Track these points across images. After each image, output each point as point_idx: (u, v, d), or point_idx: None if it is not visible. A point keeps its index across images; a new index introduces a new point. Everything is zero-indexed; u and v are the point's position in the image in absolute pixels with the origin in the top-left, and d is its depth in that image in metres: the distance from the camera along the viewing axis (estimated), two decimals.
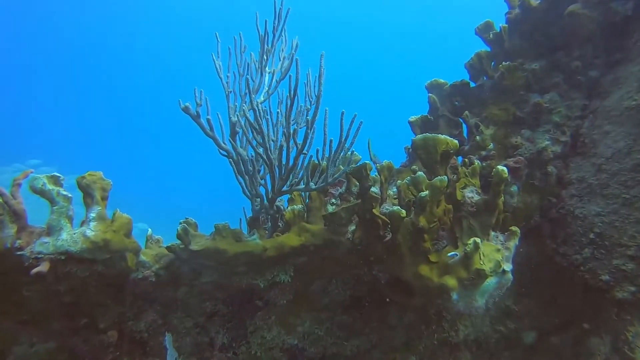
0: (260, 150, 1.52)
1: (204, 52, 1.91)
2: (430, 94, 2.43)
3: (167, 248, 1.55)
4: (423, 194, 1.49)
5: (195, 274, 1.64)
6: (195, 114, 1.67)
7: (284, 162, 1.52)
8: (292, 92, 1.36)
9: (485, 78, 2.30)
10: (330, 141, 1.40)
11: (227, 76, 1.90)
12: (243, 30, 1.97)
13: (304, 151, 1.43)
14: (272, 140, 1.54)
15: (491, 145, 2.06)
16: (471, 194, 1.58)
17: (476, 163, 1.64)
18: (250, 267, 1.64)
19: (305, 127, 1.41)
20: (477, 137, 2.10)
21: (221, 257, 1.56)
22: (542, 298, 2.11)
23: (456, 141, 1.72)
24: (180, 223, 1.62)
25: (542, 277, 2.13)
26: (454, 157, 2.11)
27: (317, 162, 1.59)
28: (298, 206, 1.71)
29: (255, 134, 1.48)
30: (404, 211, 1.52)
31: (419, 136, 1.70)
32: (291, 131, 1.39)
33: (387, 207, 1.74)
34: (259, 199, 1.63)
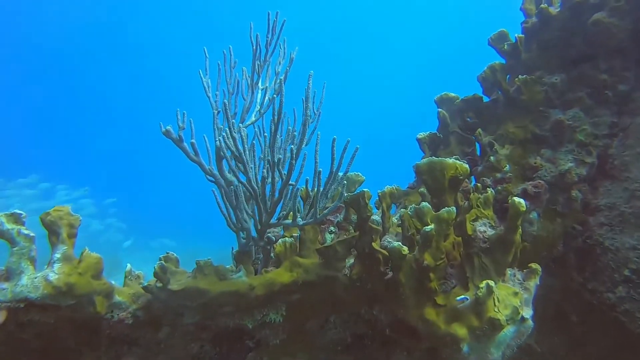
0: (244, 179, 1.37)
1: (195, 66, 1.78)
2: (439, 109, 2.25)
3: (144, 288, 1.41)
4: (428, 228, 1.31)
5: (177, 314, 1.49)
6: (178, 137, 1.54)
7: (268, 194, 1.36)
8: (276, 117, 1.21)
9: (499, 92, 2.11)
10: (319, 173, 1.24)
11: (216, 94, 1.77)
12: (236, 42, 1.84)
13: (291, 182, 1.28)
14: (257, 169, 1.39)
15: (507, 167, 1.86)
16: (484, 228, 1.39)
17: (489, 192, 1.45)
18: (236, 307, 1.48)
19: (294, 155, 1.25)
20: (492, 158, 1.91)
21: (203, 298, 1.41)
22: (570, 337, 1.88)
23: (466, 166, 1.54)
24: (160, 259, 1.49)
25: (568, 313, 1.90)
26: (466, 180, 1.92)
27: (308, 192, 1.43)
28: (289, 238, 1.55)
29: (237, 162, 1.34)
30: (405, 248, 1.34)
31: (424, 160, 1.53)
32: (275, 160, 1.23)
33: (389, 240, 1.56)
34: (244, 233, 1.47)
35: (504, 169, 1.86)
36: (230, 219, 1.44)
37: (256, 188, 1.35)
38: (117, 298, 1.42)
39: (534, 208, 1.81)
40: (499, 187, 1.84)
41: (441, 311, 1.36)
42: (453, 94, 2.32)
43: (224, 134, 1.25)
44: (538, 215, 1.82)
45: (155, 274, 1.39)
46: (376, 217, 1.67)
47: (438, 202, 1.54)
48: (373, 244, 1.48)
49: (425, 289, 1.39)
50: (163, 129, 1.53)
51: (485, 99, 2.18)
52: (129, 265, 1.53)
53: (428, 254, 1.36)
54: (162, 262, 1.48)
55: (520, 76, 1.94)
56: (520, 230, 1.34)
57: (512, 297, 1.30)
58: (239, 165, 1.34)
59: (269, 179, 1.22)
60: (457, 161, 1.53)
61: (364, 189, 1.50)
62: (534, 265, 1.44)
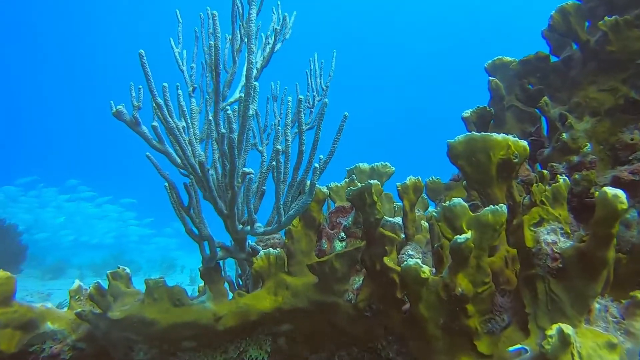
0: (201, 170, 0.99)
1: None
2: (491, 78, 1.72)
3: (77, 315, 1.08)
4: (461, 238, 0.85)
5: (130, 348, 1.15)
6: (132, 120, 1.19)
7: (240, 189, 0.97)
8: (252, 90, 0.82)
9: (575, 46, 1.55)
10: (277, 153, 0.82)
11: (192, 67, 1.41)
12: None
13: (246, 169, 0.87)
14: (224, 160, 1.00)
15: (588, 147, 1.31)
16: (553, 237, 0.89)
17: (561, 181, 0.95)
18: (200, 342, 1.11)
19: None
20: (564, 135, 1.37)
21: (150, 330, 1.06)
22: None
23: (524, 143, 1.04)
24: (107, 275, 1.15)
25: None
26: (526, 166, 1.40)
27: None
28: (276, 250, 1.15)
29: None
30: (426, 269, 0.89)
31: (460, 138, 1.05)
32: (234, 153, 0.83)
33: (410, 253, 1.10)
34: (206, 242, 1.09)
35: (584, 149, 1.31)
36: (186, 224, 1.07)
37: (209, 179, 0.96)
38: (50, 326, 1.11)
39: (633, 204, 1.25)
40: (577, 176, 1.30)
41: None
42: (509, 58, 1.78)
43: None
44: (639, 214, 1.26)
45: (91, 297, 1.06)
46: (396, 219, 1.21)
47: (483, 199, 1.06)
48: (385, 258, 1.04)
49: (461, 329, 0.92)
50: (113, 109, 1.19)
51: (554, 59, 1.62)
52: (76, 282, 1.22)
53: (463, 276, 0.90)
54: (110, 279, 1.15)
55: (607, 18, 1.37)
56: (614, 240, 0.83)
57: (605, 351, 0.79)
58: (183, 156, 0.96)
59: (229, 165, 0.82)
60: (510, 137, 1.04)
61: (373, 181, 1.05)
62: (639, 295, 0.91)
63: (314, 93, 1.56)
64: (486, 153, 1.03)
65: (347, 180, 1.54)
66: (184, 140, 0.93)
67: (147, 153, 0.98)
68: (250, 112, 0.85)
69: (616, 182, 1.24)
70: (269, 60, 1.39)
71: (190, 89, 1.39)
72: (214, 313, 1.07)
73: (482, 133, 1.04)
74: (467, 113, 1.73)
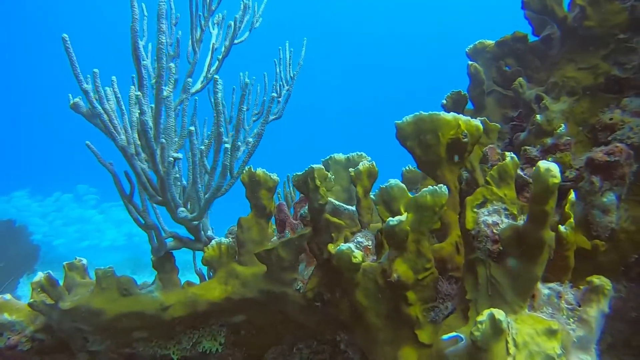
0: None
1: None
2: (470, 62, 1.65)
3: (30, 305, 1.09)
4: (393, 220, 0.80)
5: (83, 339, 1.15)
6: (88, 112, 1.20)
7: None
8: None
9: (555, 25, 1.46)
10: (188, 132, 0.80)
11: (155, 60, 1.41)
12: None
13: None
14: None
15: (562, 127, 1.23)
16: (495, 218, 0.83)
17: (508, 158, 0.88)
18: (151, 332, 1.10)
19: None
20: (538, 117, 1.29)
21: (98, 320, 1.05)
22: None
23: (477, 122, 0.98)
24: (63, 266, 1.16)
25: None
26: (497, 150, 1.33)
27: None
28: (227, 239, 1.13)
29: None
30: (358, 253, 0.85)
31: (408, 118, 1.00)
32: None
33: (359, 240, 1.06)
34: (153, 231, 1.08)
35: (557, 130, 1.23)
36: (131, 213, 1.06)
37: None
38: (6, 317, 1.12)
39: (610, 187, 1.16)
40: (550, 158, 1.23)
41: (425, 354, 0.84)
42: (491, 42, 1.71)
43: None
44: (618, 198, 1.17)
45: (42, 287, 1.07)
46: (350, 208, 1.17)
47: (433, 183, 1.01)
48: (330, 246, 1.00)
49: (403, 318, 0.87)
50: (71, 102, 1.20)
51: (535, 39, 1.54)
52: (39, 274, 1.23)
53: (402, 262, 0.85)
54: (66, 270, 1.16)
55: None
56: (549, 219, 0.76)
57: (544, 337, 0.73)
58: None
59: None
60: (461, 116, 0.98)
61: (316, 165, 1.02)
62: (596, 280, 0.83)
63: (282, 82, 1.54)
64: (434, 133, 0.98)
65: None
66: (112, 126, 0.92)
67: (87, 142, 0.97)
68: (165, 93, 0.83)
69: (590, 164, 1.16)
70: (229, 49, 1.37)
71: (153, 80, 1.39)
72: (161, 303, 1.06)
73: (431, 112, 0.99)
74: (445, 100, 1.67)
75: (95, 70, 0.91)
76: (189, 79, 1.40)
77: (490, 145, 1.40)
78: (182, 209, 0.98)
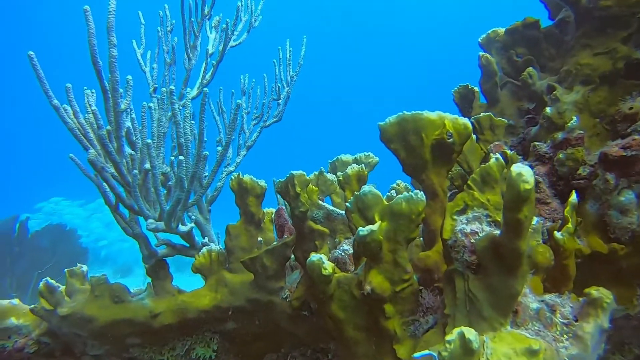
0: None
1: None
2: (482, 53, 1.55)
3: (31, 310, 1.14)
4: (364, 230, 0.76)
5: (82, 343, 1.19)
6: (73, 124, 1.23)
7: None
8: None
9: (570, 8, 1.34)
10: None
11: (154, 67, 1.43)
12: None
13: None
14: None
15: (574, 120, 1.12)
16: (475, 226, 0.75)
17: (492, 160, 0.81)
18: (143, 339, 1.12)
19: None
20: (547, 110, 1.19)
21: (91, 326, 1.08)
22: None
23: (464, 120, 0.91)
24: (65, 272, 1.21)
25: None
26: (504, 148, 1.24)
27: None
28: (216, 247, 1.13)
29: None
30: (329, 265, 0.81)
31: (391, 119, 0.95)
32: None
33: (344, 249, 1.02)
34: (142, 239, 1.10)
35: (569, 124, 1.12)
36: (119, 222, 1.08)
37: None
38: (14, 321, 1.18)
39: (628, 184, 1.05)
40: (561, 155, 1.12)
41: None
42: (504, 30, 1.59)
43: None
44: (637, 197, 1.05)
45: (40, 293, 1.11)
46: (340, 212, 1.13)
47: (418, 187, 0.95)
48: (313, 254, 0.96)
49: (380, 332, 0.83)
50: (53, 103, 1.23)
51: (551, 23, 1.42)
52: (47, 279, 1.29)
53: (377, 273, 0.80)
54: (67, 277, 1.20)
55: None
56: (526, 228, 0.68)
57: (523, 358, 0.66)
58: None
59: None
60: (447, 114, 0.92)
61: (296, 171, 0.99)
62: (594, 292, 0.75)
63: (282, 84, 1.52)
64: (418, 134, 0.92)
65: (316, 173, 1.47)
66: (86, 139, 0.93)
67: (70, 154, 1.00)
68: (122, 106, 0.83)
69: (604, 160, 1.05)
70: (223, 54, 1.37)
71: (152, 89, 1.41)
72: (150, 310, 1.07)
73: (414, 112, 0.93)
74: (453, 94, 1.58)
75: (68, 85, 0.92)
76: (188, 89, 1.41)
77: (496, 142, 1.31)
78: (152, 220, 0.98)
